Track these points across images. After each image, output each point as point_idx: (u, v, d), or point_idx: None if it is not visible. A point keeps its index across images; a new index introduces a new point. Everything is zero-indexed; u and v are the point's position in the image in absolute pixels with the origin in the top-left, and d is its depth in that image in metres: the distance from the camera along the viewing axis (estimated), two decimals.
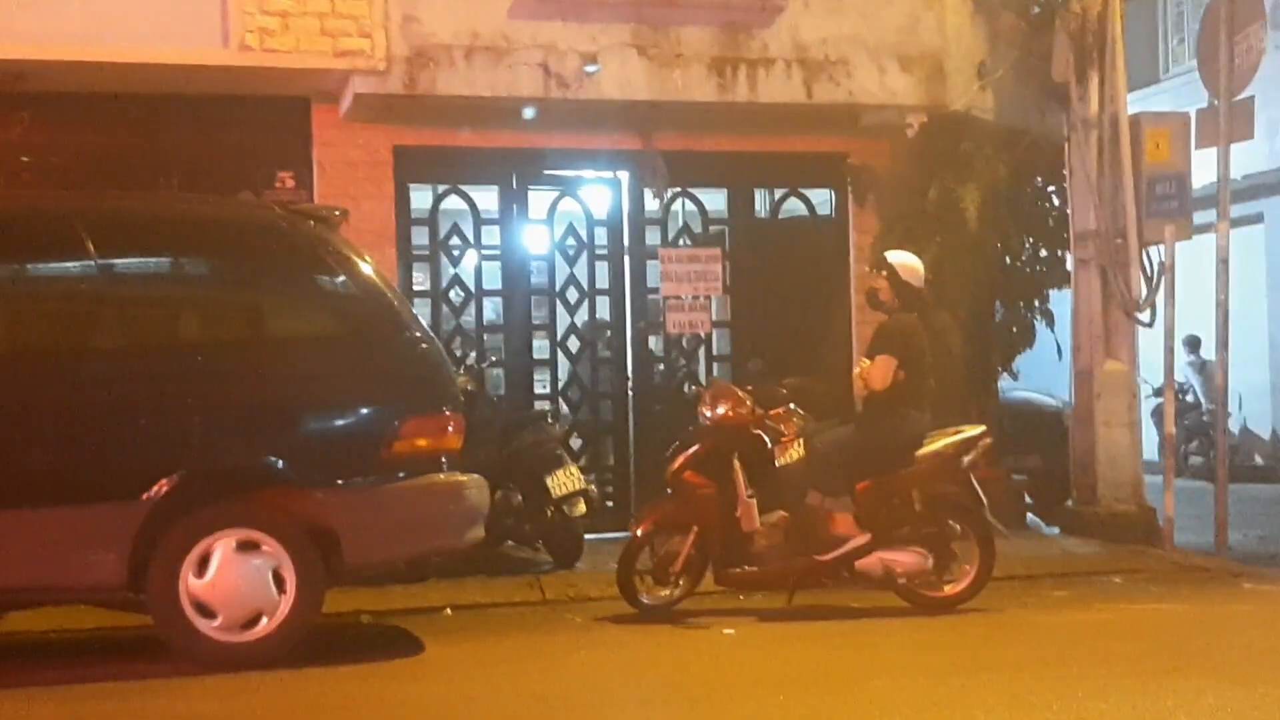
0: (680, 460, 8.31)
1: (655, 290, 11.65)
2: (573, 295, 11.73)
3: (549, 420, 10.42)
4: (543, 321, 11.70)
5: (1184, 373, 16.54)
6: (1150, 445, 12.04)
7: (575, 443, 11.36)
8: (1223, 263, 10.65)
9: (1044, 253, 12.13)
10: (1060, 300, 11.94)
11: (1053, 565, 9.89)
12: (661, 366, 11.94)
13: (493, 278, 11.56)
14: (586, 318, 11.85)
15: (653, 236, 11.78)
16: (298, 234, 7.36)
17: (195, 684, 6.48)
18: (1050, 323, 12.04)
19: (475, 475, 7.34)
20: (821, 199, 12.11)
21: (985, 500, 8.31)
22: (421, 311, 10.05)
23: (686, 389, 11.57)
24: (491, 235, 11.52)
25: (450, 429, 7.16)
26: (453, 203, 11.50)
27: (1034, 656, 6.97)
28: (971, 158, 11.19)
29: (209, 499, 6.77)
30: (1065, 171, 11.37)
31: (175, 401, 6.78)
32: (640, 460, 11.37)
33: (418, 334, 7.38)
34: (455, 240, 11.48)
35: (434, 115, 10.68)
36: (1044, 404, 13.18)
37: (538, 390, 11.64)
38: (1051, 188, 12.04)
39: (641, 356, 11.75)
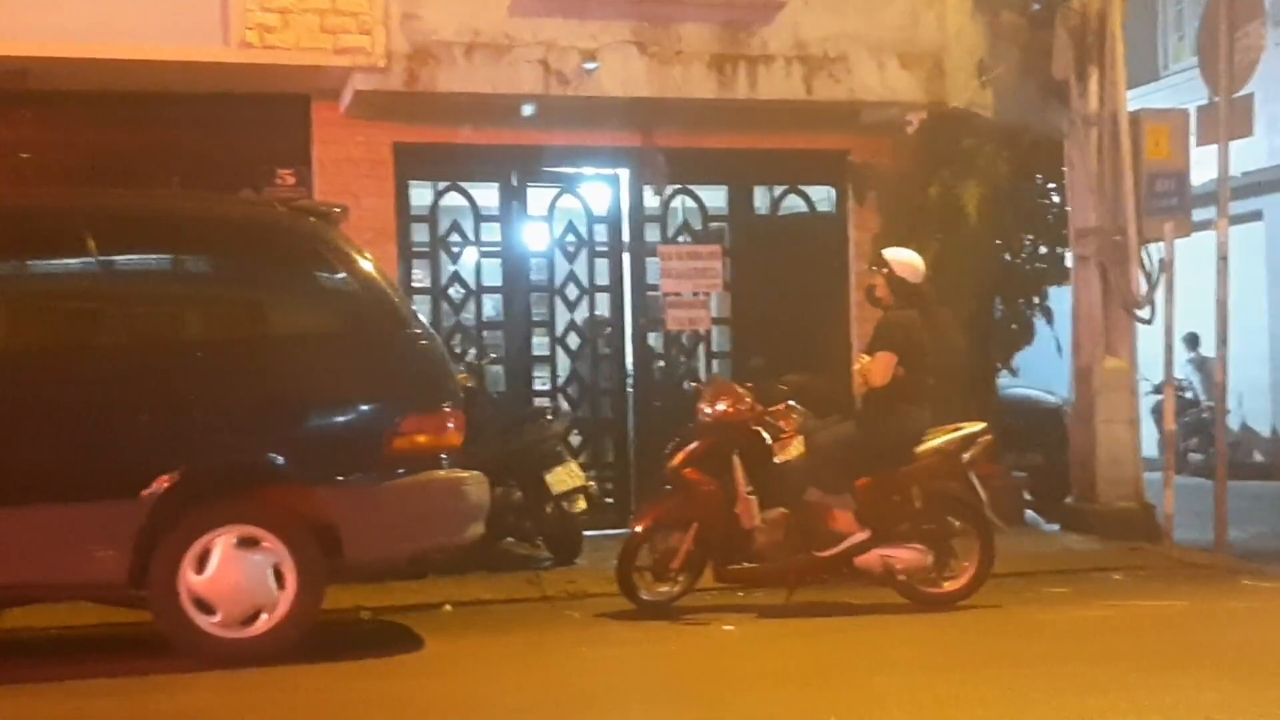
0: (680, 457, 8.31)
1: (655, 287, 11.67)
2: (572, 292, 11.74)
3: (549, 417, 10.43)
4: (542, 318, 11.71)
5: (1183, 370, 16.54)
6: (1149, 442, 12.04)
7: (575, 439, 11.38)
8: (1222, 260, 10.65)
9: (1044, 250, 12.15)
10: (1060, 297, 11.95)
11: (1052, 562, 9.90)
12: (661, 363, 11.95)
13: (493, 274, 11.57)
14: (586, 315, 11.86)
15: (653, 233, 11.80)
16: (298, 231, 7.36)
17: (195, 680, 6.48)
18: (1050, 320, 12.05)
19: (475, 472, 7.35)
20: (821, 196, 12.12)
21: (985, 497, 8.31)
22: (421, 308, 10.07)
23: (686, 386, 11.57)
24: (491, 232, 11.54)
25: (450, 426, 7.16)
26: (453, 199, 11.52)
27: (1034, 652, 6.97)
28: (972, 155, 11.20)
29: (209, 495, 6.76)
30: (1065, 168, 11.38)
31: (176, 398, 6.79)
32: (640, 457, 11.38)
33: (418, 331, 7.38)
34: (455, 237, 11.50)
35: (434, 112, 10.69)
36: (1043, 401, 13.19)
37: (537, 387, 11.66)
38: (1051, 185, 12.05)
39: (641, 353, 11.76)
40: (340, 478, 6.94)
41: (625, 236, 11.70)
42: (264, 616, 6.77)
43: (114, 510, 6.61)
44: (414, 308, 7.91)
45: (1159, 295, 10.81)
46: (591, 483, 10.19)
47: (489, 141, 11.07)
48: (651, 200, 11.66)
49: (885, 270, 8.37)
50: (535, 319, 11.69)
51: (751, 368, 10.92)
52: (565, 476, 9.74)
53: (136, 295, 7.10)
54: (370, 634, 7.80)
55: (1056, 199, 12.01)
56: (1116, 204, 10.87)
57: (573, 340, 11.82)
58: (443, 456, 7.14)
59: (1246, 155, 13.60)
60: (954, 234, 10.93)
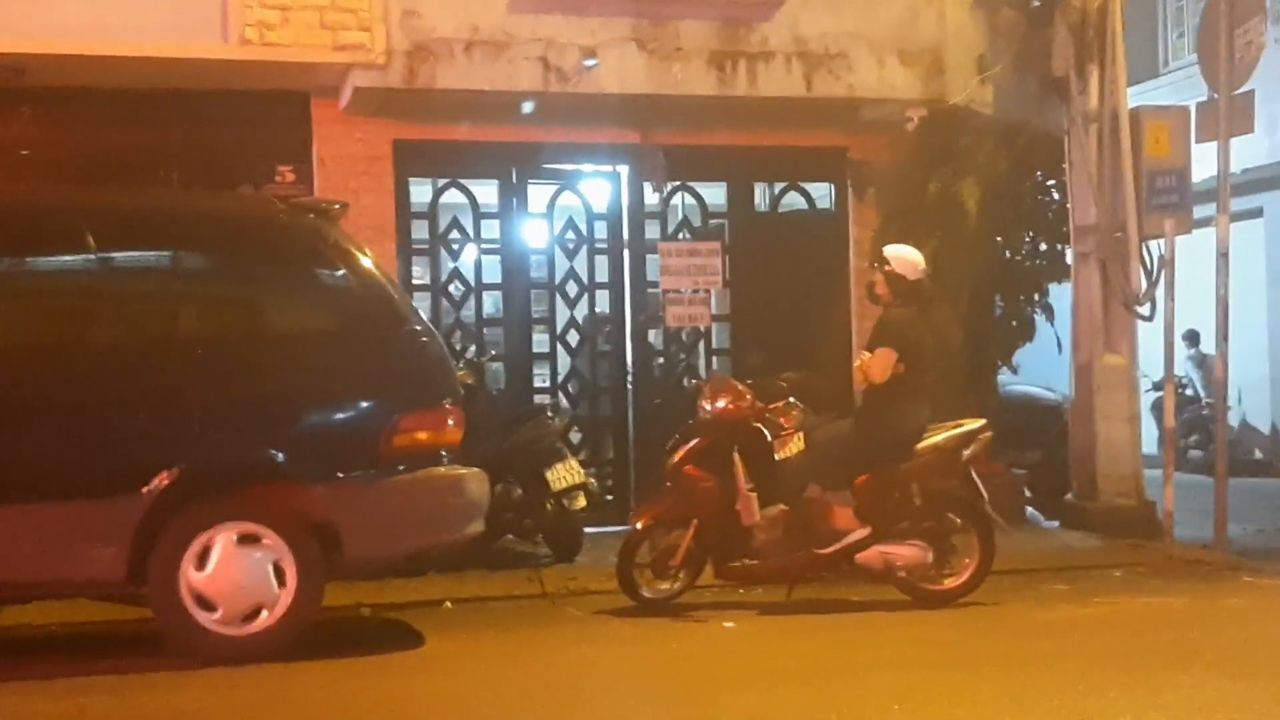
0: (680, 454, 8.31)
1: (655, 284, 11.65)
2: (572, 289, 11.73)
3: (549, 414, 10.42)
4: (542, 315, 11.70)
5: (1183, 367, 16.52)
6: (1149, 439, 12.03)
7: (575, 436, 11.37)
8: (1222, 256, 10.65)
9: (1044, 247, 12.14)
10: (1060, 294, 11.94)
11: (1052, 559, 9.90)
12: (661, 360, 11.94)
13: (492, 272, 11.56)
14: (586, 312, 11.85)
15: (652, 230, 11.79)
16: (297, 228, 7.37)
17: (195, 677, 6.48)
18: (1050, 317, 12.05)
19: (475, 469, 7.35)
20: (821, 193, 12.11)
21: (985, 494, 8.31)
22: (421, 306, 10.05)
23: (686, 383, 11.56)
24: (491, 229, 11.53)
25: (450, 423, 7.16)
26: (452, 197, 11.50)
27: (1033, 650, 6.97)
28: (971, 152, 11.19)
29: (209, 493, 6.76)
30: (1065, 166, 11.37)
31: (175, 395, 6.79)
32: (640, 454, 11.37)
33: (418, 328, 7.38)
34: (455, 234, 11.48)
35: (433, 109, 10.68)
36: (1043, 398, 13.18)
37: (537, 384, 11.65)
38: (1051, 182, 12.04)
39: (641, 350, 11.75)
40: (340, 475, 6.94)
41: (625, 233, 11.69)
42: (264, 613, 6.78)
43: (114, 507, 6.62)
44: (414, 305, 7.90)
45: (1159, 292, 10.80)
46: (591, 480, 10.19)
47: (488, 138, 11.06)
48: (651, 197, 11.65)
49: (885, 267, 8.37)
50: (535, 316, 11.68)
51: (751, 365, 10.92)
52: (565, 473, 9.74)
53: (136, 292, 7.10)
54: (370, 631, 7.80)
55: (1056, 196, 12.01)
56: (1116, 201, 10.87)
57: (572, 337, 11.81)
58: (443, 454, 7.15)
59: (1246, 153, 13.59)
60: (953, 231, 10.91)
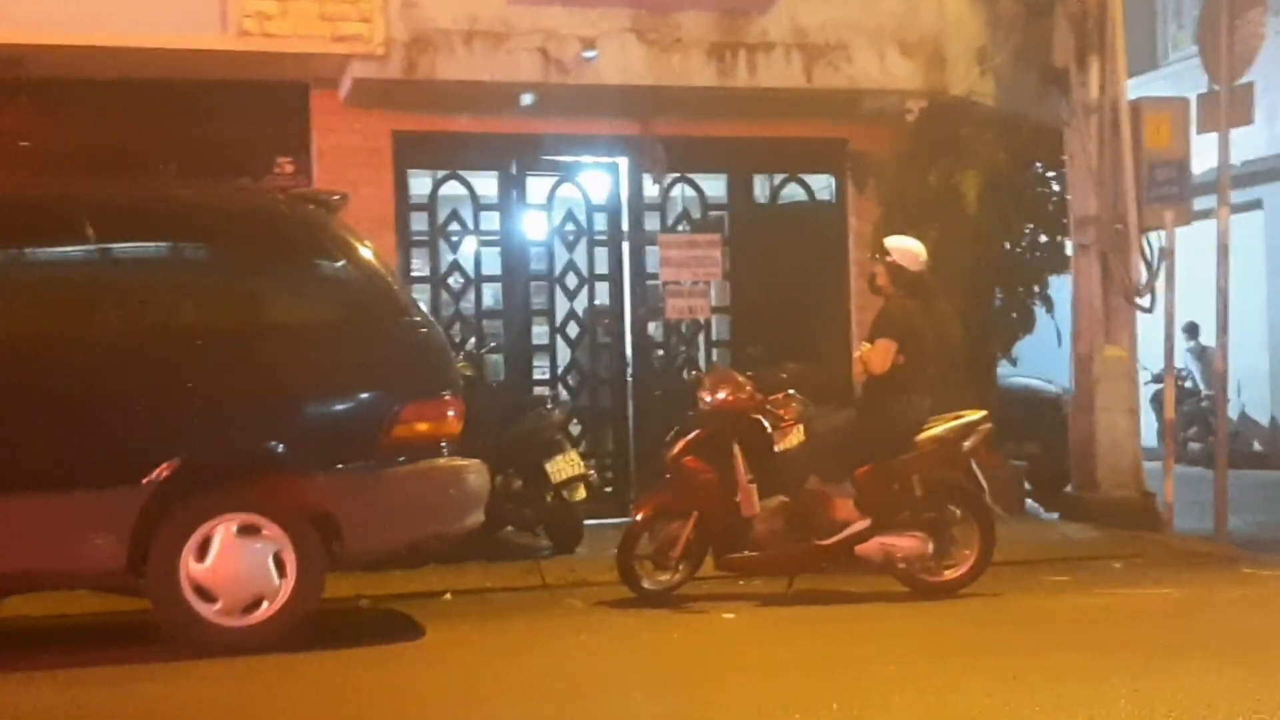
0: (680, 445, 8.30)
1: (654, 276, 11.64)
2: (572, 281, 11.72)
3: (548, 406, 10.42)
4: (542, 307, 11.69)
5: (1183, 359, 16.54)
6: (1149, 431, 12.03)
7: (575, 428, 11.34)
8: (1223, 248, 10.64)
9: (1044, 238, 12.14)
10: (1060, 286, 11.94)
11: (1052, 550, 9.91)
12: (661, 352, 11.93)
13: (492, 263, 11.55)
14: (586, 304, 11.84)
15: (652, 222, 11.77)
16: (297, 219, 7.36)
17: (195, 668, 6.48)
18: (1050, 308, 12.04)
19: (475, 460, 7.34)
20: (821, 184, 12.10)
21: (985, 485, 8.30)
22: (420, 297, 10.05)
23: (686, 374, 11.55)
24: (490, 221, 11.51)
25: (450, 414, 7.16)
26: (452, 188, 11.48)
27: (1034, 641, 6.98)
28: (971, 143, 11.17)
29: (209, 484, 6.76)
30: (1065, 157, 11.36)
31: (176, 386, 6.78)
32: (640, 446, 11.37)
33: (418, 319, 7.38)
34: (454, 226, 11.47)
35: (433, 101, 10.66)
36: (1043, 390, 13.19)
37: (537, 376, 11.64)
38: (1051, 173, 12.03)
39: (641, 342, 11.74)
40: (340, 466, 6.94)
41: (624, 225, 11.68)
42: (265, 604, 6.77)
43: (114, 498, 6.61)
44: (413, 296, 7.89)
45: (1159, 284, 10.80)
46: (591, 471, 10.16)
47: (488, 130, 11.04)
48: (651, 189, 11.63)
49: (887, 258, 8.37)
50: (534, 308, 11.66)
51: (751, 356, 10.91)
52: (565, 465, 9.73)
53: (136, 283, 7.08)
54: (370, 622, 7.80)
55: (1056, 187, 12.00)
56: (1116, 192, 10.86)
57: (572, 329, 11.79)
58: (443, 445, 7.14)
59: (1246, 144, 13.58)
60: (953, 222, 10.89)
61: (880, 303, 8.53)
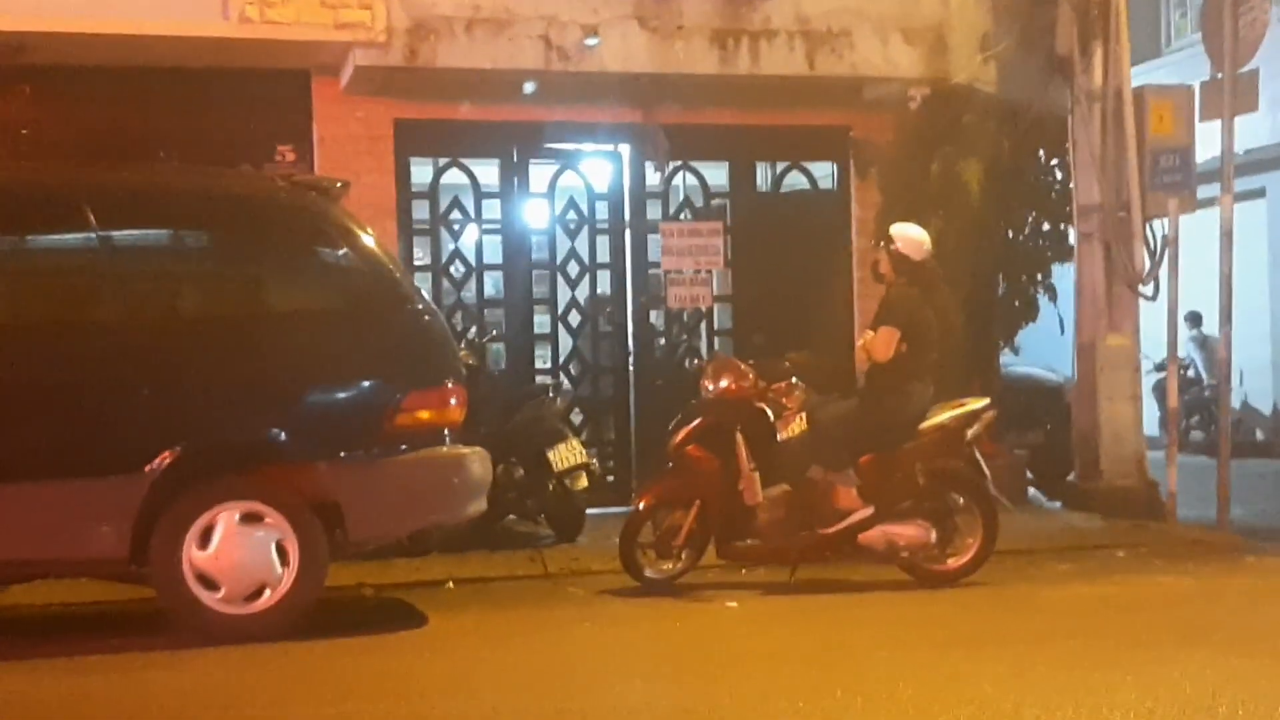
0: (682, 434, 8.29)
1: (656, 264, 11.63)
2: (573, 270, 11.71)
3: (550, 395, 10.41)
4: (544, 296, 11.68)
5: (1186, 348, 16.51)
6: (1151, 420, 12.02)
7: (576, 417, 11.36)
8: (1226, 236, 10.62)
9: (1046, 227, 12.10)
10: (1063, 274, 11.91)
11: (1056, 539, 9.89)
12: (663, 341, 11.93)
13: (493, 252, 11.53)
14: (588, 292, 11.82)
15: (654, 210, 11.76)
16: (299, 206, 7.34)
17: (198, 656, 6.48)
18: (1053, 297, 12.01)
19: (478, 448, 7.34)
20: (823, 172, 12.08)
21: (988, 474, 8.29)
22: (422, 286, 10.01)
23: (688, 363, 11.55)
24: (492, 209, 11.50)
25: (453, 402, 7.15)
26: (453, 176, 11.46)
27: (1038, 629, 6.98)
28: (974, 131, 11.14)
29: (212, 472, 6.76)
30: (1068, 145, 11.33)
31: (178, 374, 6.78)
32: (642, 434, 11.36)
33: (420, 307, 7.36)
34: (456, 214, 11.45)
35: (435, 88, 10.63)
36: (1046, 379, 13.16)
37: (539, 365, 11.64)
38: (1054, 161, 12.00)
39: (643, 331, 11.73)
40: (343, 454, 6.94)
41: (626, 213, 11.66)
42: (267, 593, 6.77)
43: (116, 486, 6.61)
44: (416, 284, 7.88)
45: (1162, 272, 10.78)
46: (593, 460, 10.17)
47: (490, 118, 11.01)
48: (653, 177, 11.61)
49: (890, 246, 8.35)
50: (536, 296, 11.65)
51: (753, 345, 10.90)
52: (567, 454, 9.72)
53: (138, 271, 7.09)
54: (373, 610, 7.80)
55: (1059, 175, 11.97)
56: (1120, 180, 10.83)
57: (574, 318, 11.79)
58: (445, 433, 7.13)
59: (1250, 132, 13.54)
60: (956, 211, 10.86)
61: (882, 290, 8.51)
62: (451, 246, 11.48)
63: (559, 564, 8.97)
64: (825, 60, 10.85)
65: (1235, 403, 14.94)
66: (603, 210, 11.72)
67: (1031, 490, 11.85)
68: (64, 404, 6.67)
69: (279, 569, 6.77)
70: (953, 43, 11.13)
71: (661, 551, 8.23)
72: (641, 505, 8.31)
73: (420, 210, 11.35)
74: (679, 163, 11.63)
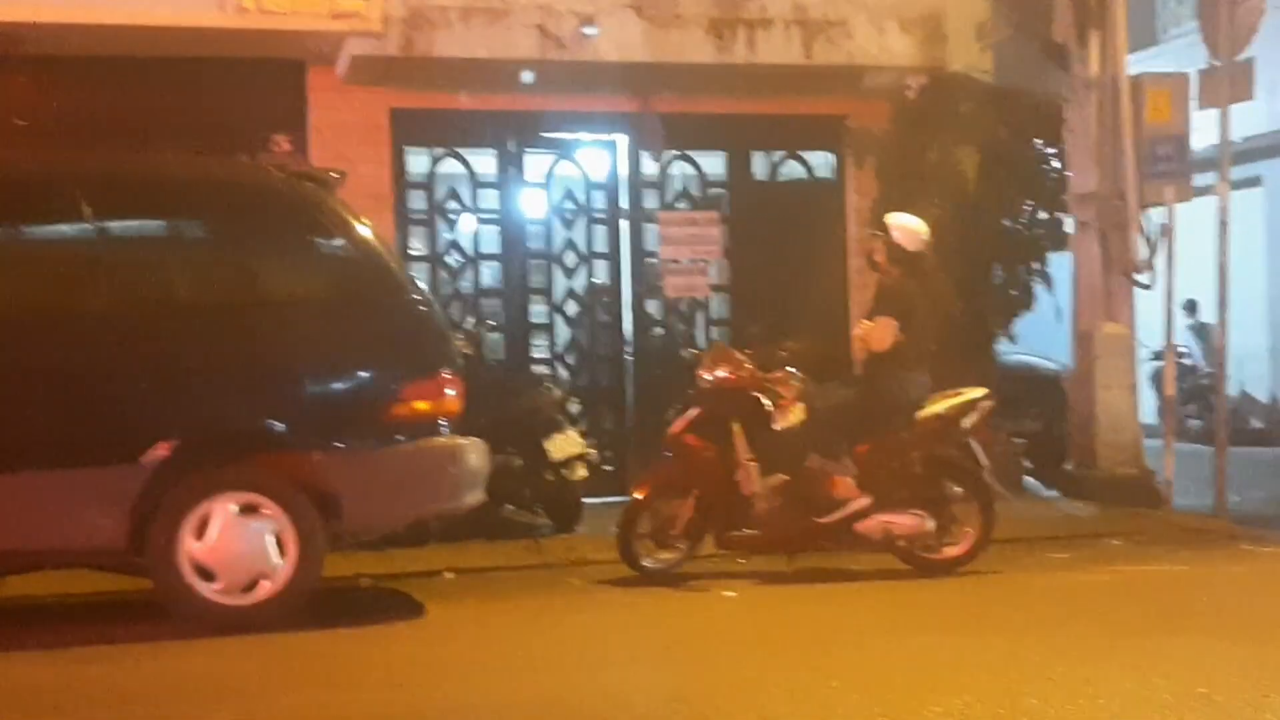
0: (680, 424, 8.29)
1: (653, 254, 11.64)
2: (570, 259, 11.71)
3: (547, 384, 10.41)
4: (541, 285, 11.68)
5: (1182, 336, 16.50)
6: (1148, 409, 12.02)
7: (574, 407, 11.33)
8: (1223, 224, 10.62)
9: (1043, 215, 12.09)
10: (1059, 263, 11.91)
11: (1053, 528, 9.90)
12: (660, 330, 11.93)
13: (490, 242, 11.54)
14: (585, 282, 11.82)
15: (651, 200, 11.76)
16: (295, 196, 7.33)
17: (195, 646, 6.48)
18: (1049, 286, 12.01)
19: (475, 438, 7.33)
20: (820, 162, 12.08)
21: (986, 463, 8.29)
22: (419, 276, 10.02)
23: (685, 353, 11.52)
24: (489, 199, 11.50)
25: (450, 392, 7.14)
26: (450, 166, 11.46)
27: (1035, 618, 6.98)
28: (971, 119, 11.15)
29: (208, 462, 6.75)
30: (1065, 133, 11.32)
31: (175, 364, 6.77)
32: (639, 424, 11.37)
33: (416, 297, 7.36)
34: (453, 204, 11.46)
35: (431, 78, 10.63)
36: (1042, 367, 13.15)
37: (536, 354, 11.64)
38: (1051, 149, 11.98)
39: (640, 320, 11.74)
40: (340, 444, 6.93)
41: (623, 203, 11.66)
42: (264, 583, 6.76)
43: (113, 476, 6.61)
44: (412, 274, 7.87)
45: (1159, 260, 10.78)
46: (591, 450, 10.17)
47: (486, 107, 11.01)
48: (649, 166, 11.62)
49: (885, 235, 8.35)
50: (533, 286, 11.66)
51: (750, 334, 10.89)
52: (565, 444, 9.73)
53: (134, 260, 7.08)
54: (370, 601, 7.80)
55: (1056, 164, 11.95)
56: (1116, 168, 10.83)
57: (571, 307, 11.79)
58: (442, 423, 7.12)
59: (1246, 120, 13.53)
60: (953, 199, 10.87)
61: (878, 279, 8.51)
62: (448, 236, 11.48)
63: (557, 554, 8.98)
64: (822, 49, 10.85)
65: (1232, 391, 14.94)
66: (599, 200, 11.72)
67: (1028, 479, 11.85)
68: (61, 394, 6.66)
69: (276, 559, 6.76)
70: (949, 31, 11.12)
71: (659, 541, 8.24)
72: (639, 495, 8.32)
73: (417, 200, 11.35)
74: (676, 152, 11.63)
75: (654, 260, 11.64)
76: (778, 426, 8.27)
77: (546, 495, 9.80)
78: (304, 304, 7.22)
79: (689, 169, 11.89)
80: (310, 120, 10.71)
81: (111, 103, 10.17)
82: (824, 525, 8.16)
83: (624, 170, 11.62)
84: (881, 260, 8.38)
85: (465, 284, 11.56)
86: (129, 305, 6.87)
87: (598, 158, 11.69)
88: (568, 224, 11.70)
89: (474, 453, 7.28)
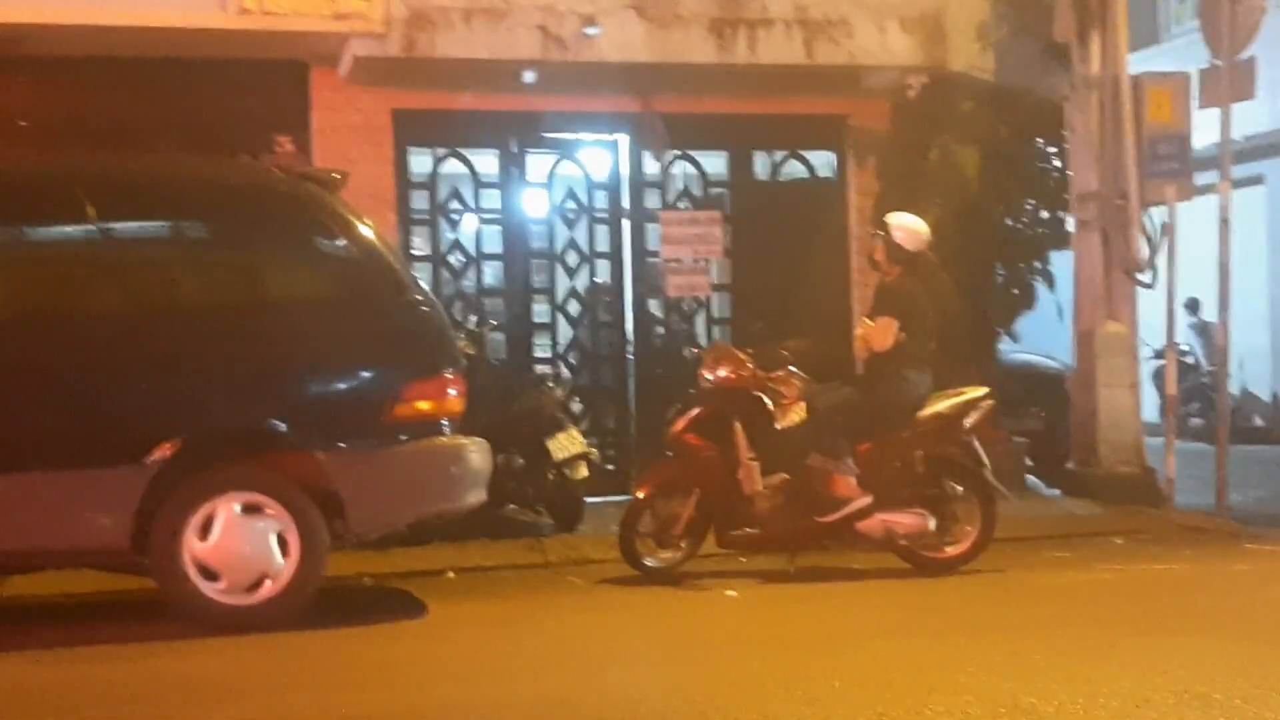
0: (681, 423, 8.30)
1: (655, 253, 11.64)
2: (572, 259, 11.72)
3: (549, 384, 10.42)
4: (543, 285, 11.69)
5: (1184, 335, 16.51)
6: (1150, 407, 12.02)
7: (576, 406, 11.35)
8: (1224, 223, 10.63)
9: (1044, 214, 12.11)
10: (1061, 262, 11.92)
11: (1054, 526, 9.91)
12: (662, 330, 11.93)
13: (492, 242, 11.54)
14: (586, 281, 11.83)
15: (652, 199, 11.76)
16: (299, 197, 7.34)
17: (199, 646, 6.50)
18: (1050, 284, 12.02)
19: (477, 438, 7.35)
20: (822, 161, 12.07)
21: (987, 462, 8.30)
22: (421, 276, 10.02)
23: (687, 352, 11.54)
24: (491, 199, 11.50)
25: (452, 392, 7.16)
26: (452, 166, 11.47)
27: (1036, 616, 6.99)
28: (972, 119, 11.16)
29: (212, 462, 6.77)
30: (1066, 132, 11.33)
31: (178, 365, 6.79)
32: (641, 423, 11.37)
33: (419, 297, 7.37)
34: (455, 204, 11.46)
35: (433, 78, 10.64)
36: (1044, 366, 13.17)
37: (538, 354, 11.64)
38: (1052, 149, 12.00)
39: (642, 320, 11.74)
40: (343, 444, 6.94)
41: (625, 203, 11.67)
42: (268, 583, 6.78)
43: (117, 477, 6.62)
44: (414, 274, 7.89)
45: (1160, 259, 10.79)
46: (593, 449, 10.18)
47: (488, 107, 11.01)
48: (651, 166, 11.62)
49: (885, 235, 8.36)
50: (535, 286, 11.66)
51: (752, 333, 10.90)
52: (566, 443, 9.74)
53: (137, 260, 7.11)
54: (373, 600, 7.81)
55: (1057, 163, 11.97)
56: (1118, 167, 10.83)
57: (573, 307, 11.79)
58: (444, 423, 7.14)
59: (1247, 119, 13.54)
60: (954, 198, 10.87)
61: (879, 279, 8.52)
62: (450, 236, 11.49)
63: (559, 553, 8.99)
64: (823, 49, 10.85)
65: (1233, 389, 14.96)
66: (601, 199, 11.72)
67: (1030, 477, 11.87)
68: (64, 394, 6.68)
69: (279, 559, 6.78)
70: (950, 30, 11.12)
71: (661, 540, 8.25)
72: (641, 494, 8.33)
73: (419, 200, 11.36)
74: (677, 151, 11.63)
75: (656, 260, 11.65)
76: (779, 426, 8.29)
77: (548, 494, 9.81)
78: (307, 304, 7.24)
79: (690, 169, 11.90)
80: (313, 121, 10.72)
81: (114, 104, 10.18)
82: (825, 524, 8.17)
83: (626, 170, 11.63)
84: (882, 260, 8.39)
85: (467, 284, 11.57)
86: (132, 306, 6.90)
87: (599, 157, 11.70)
88: (570, 224, 11.70)
89: (476, 452, 7.29)
